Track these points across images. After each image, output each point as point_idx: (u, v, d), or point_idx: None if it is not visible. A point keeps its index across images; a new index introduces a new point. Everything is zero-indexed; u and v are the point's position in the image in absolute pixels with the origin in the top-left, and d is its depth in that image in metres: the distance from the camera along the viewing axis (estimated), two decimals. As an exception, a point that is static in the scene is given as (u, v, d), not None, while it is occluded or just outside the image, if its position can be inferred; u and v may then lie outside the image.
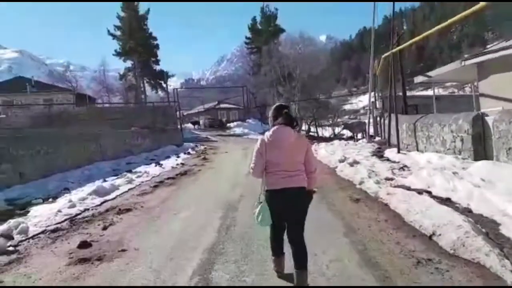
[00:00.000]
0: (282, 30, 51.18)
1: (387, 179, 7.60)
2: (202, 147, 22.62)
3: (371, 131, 18.65)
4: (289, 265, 3.08)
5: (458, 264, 3.10)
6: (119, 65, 51.32)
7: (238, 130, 37.26)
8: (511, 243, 3.33)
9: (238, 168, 10.83)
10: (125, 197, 7.52)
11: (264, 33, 50.93)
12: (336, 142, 17.40)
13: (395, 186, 6.88)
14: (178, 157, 16.97)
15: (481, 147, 8.59)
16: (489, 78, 10.68)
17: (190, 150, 20.08)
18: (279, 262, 3.18)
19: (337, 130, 44.94)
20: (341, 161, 10.64)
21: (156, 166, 12.72)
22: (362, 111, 68.77)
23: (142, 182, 9.50)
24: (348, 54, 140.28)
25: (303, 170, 3.02)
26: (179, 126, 35.74)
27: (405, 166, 9.32)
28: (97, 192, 7.59)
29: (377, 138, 19.07)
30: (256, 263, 3.53)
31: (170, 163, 13.90)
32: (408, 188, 6.53)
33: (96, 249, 4.38)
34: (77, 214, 6.16)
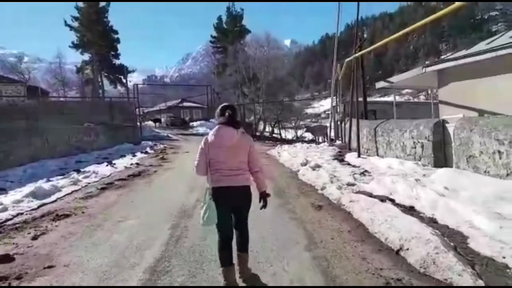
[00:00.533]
0: (248, 31, 50.95)
1: (349, 184, 7.41)
2: (162, 146, 21.63)
3: (332, 134, 18.78)
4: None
5: (430, 286, 2.82)
6: (77, 58, 48.43)
7: (201, 130, 36.41)
8: (481, 259, 3.12)
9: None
10: (66, 200, 6.71)
11: (230, 33, 50.40)
12: (298, 145, 17.28)
13: (357, 192, 6.68)
14: (134, 156, 16.01)
15: (442, 154, 8.70)
16: (449, 86, 10.94)
17: (148, 149, 19.08)
18: (230, 273, 3.04)
19: (299, 132, 45.75)
20: (303, 164, 10.41)
21: (107, 165, 11.78)
22: (323, 115, 70.33)
23: (89, 183, 8.64)
24: (311, 60, 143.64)
25: (247, 169, 3.10)
26: (138, 124, 34.32)
27: (366, 171, 9.25)
28: (35, 194, 6.72)
29: (338, 142, 19.24)
30: (206, 284, 3.05)
31: (124, 163, 12.98)
32: (371, 195, 6.35)
33: (18, 264, 3.69)
34: (7, 220, 5.34)
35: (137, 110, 36.13)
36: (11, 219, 5.39)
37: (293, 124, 45.85)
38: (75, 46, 43.41)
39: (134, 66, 54.77)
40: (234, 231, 3.14)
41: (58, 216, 5.46)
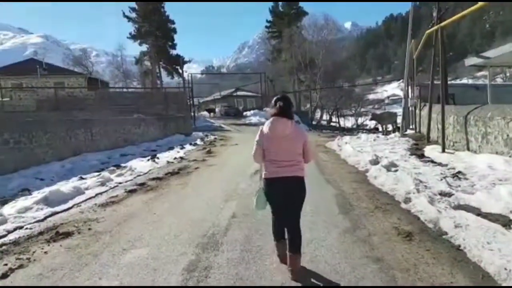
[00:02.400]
0: (305, 13, 47.96)
1: (443, 194, 5.35)
2: (212, 137, 20.68)
3: (402, 123, 16.12)
4: None
5: None
6: (137, 51, 49.70)
7: (254, 119, 35.09)
8: None
9: (244, 167, 8.75)
10: (81, 209, 5.60)
11: (286, 15, 47.88)
12: (363, 135, 15.01)
13: (457, 207, 4.66)
14: (182, 148, 15.10)
15: None
16: None
17: (198, 141, 18.17)
18: (281, 247, 3.20)
19: (360, 120, 42.36)
20: (374, 162, 8.38)
21: (149, 160, 10.82)
22: (387, 101, 65.21)
23: (120, 183, 7.58)
24: (373, 42, 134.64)
25: (300, 160, 3.11)
26: (194, 114, 34.05)
27: (460, 172, 7.00)
28: (48, 200, 5.71)
29: (410, 131, 16.55)
30: None
31: (168, 157, 11.99)
32: (480, 213, 4.31)
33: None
34: (-4, 238, 4.27)
35: (191, 100, 36.00)
36: (3, 236, 4.33)
37: (353, 111, 42.71)
38: (132, 37, 44.46)
39: (192, 57, 55.20)
40: (286, 229, 3.15)
41: (57, 234, 4.29)
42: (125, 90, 38.45)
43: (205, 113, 46.89)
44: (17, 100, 26.01)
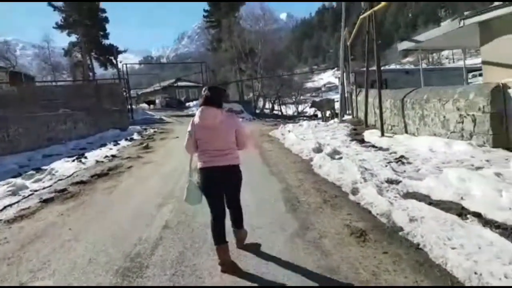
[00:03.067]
0: (242, 3, 47.21)
1: (390, 181, 5.21)
2: (152, 131, 19.44)
3: (338, 109, 16.44)
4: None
5: None
6: (65, 42, 45.06)
7: (196, 110, 33.95)
8: None
9: (184, 163, 8.02)
10: (-25, 229, 4.54)
11: (223, 5, 46.80)
12: (305, 123, 14.99)
13: (406, 195, 4.51)
14: (116, 144, 13.84)
15: (504, 130, 6.47)
16: (494, 42, 8.56)
17: (135, 135, 16.88)
18: (222, 252, 2.96)
19: (300, 108, 43.49)
20: (317, 150, 8.18)
21: (74, 161, 9.59)
22: (323, 89, 67.56)
23: (35, 191, 6.47)
24: (308, 33, 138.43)
25: (234, 148, 3.10)
26: (129, 107, 31.91)
27: (402, 156, 7.01)
28: None
29: (347, 117, 16.98)
30: None
31: (98, 155, 10.80)
32: (433, 203, 4.16)
33: None
34: None
35: (128, 91, 33.72)
36: None
37: (294, 99, 43.66)
38: (59, 27, 40.34)
39: (128, 47, 51.42)
40: (227, 210, 3.15)
41: None
42: (52, 84, 34.77)
43: (145, 105, 44.57)
44: None
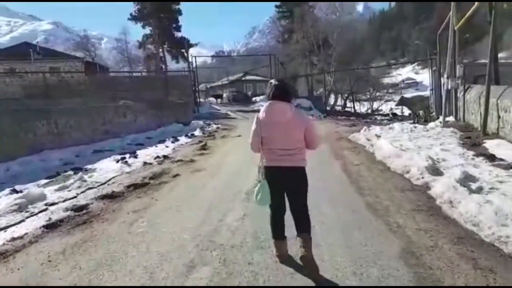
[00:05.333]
0: (318, -11, 44.00)
1: None
2: (215, 127, 18.01)
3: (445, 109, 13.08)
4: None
5: None
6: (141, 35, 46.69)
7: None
8: None
9: (242, 175, 6.15)
10: None
11: (297, -6, 44.15)
12: (396, 125, 12.05)
13: None
14: (175, 141, 12.52)
15: None
16: None
17: (196, 131, 15.54)
18: (281, 246, 2.94)
19: (375, 105, 39.50)
20: (432, 170, 5.60)
21: (119, 161, 8.22)
22: (402, 85, 61.67)
23: (50, 206, 4.98)
24: (387, 25, 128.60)
25: (301, 148, 2.85)
26: (197, 100, 31.37)
27: None
28: None
29: (449, 119, 13.60)
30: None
31: (149, 155, 9.42)
32: None
33: None
34: None
35: (196, 85, 33.26)
36: None
37: (368, 95, 39.99)
38: (134, 18, 41.56)
39: (200, 41, 51.64)
40: (291, 214, 2.91)
41: None
42: (123, 75, 35.79)
43: (212, 99, 44.26)
44: (3, 87, 23.69)
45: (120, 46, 53.34)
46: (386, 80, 51.01)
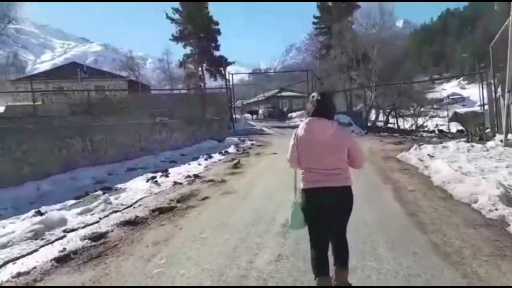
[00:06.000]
0: (357, 6, 43.09)
1: None
2: (249, 143, 17.58)
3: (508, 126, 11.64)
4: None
5: None
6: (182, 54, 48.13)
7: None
8: None
9: (277, 200, 5.47)
10: None
11: (335, 9, 43.53)
12: (451, 144, 10.81)
13: None
14: (208, 158, 12.18)
15: None
16: None
17: (230, 148, 15.15)
18: (325, 283, 2.50)
19: (420, 121, 37.51)
20: (509, 201, 4.61)
21: (149, 181, 7.84)
22: (447, 100, 58.48)
23: (69, 233, 4.58)
24: (428, 39, 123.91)
25: (345, 168, 2.56)
26: (232, 116, 31.31)
27: None
28: None
29: (510, 137, 12.11)
30: None
31: (180, 173, 9.03)
32: None
33: None
34: None
35: (232, 101, 33.32)
36: None
37: (412, 111, 38.07)
38: (175, 38, 42.96)
39: (239, 60, 52.51)
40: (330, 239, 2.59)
41: None
42: (163, 92, 36.69)
43: (248, 115, 44.21)
44: (49, 104, 24.96)
45: (163, 66, 55.29)
46: (430, 96, 48.54)
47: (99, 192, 7.04)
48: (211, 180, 7.79)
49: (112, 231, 4.61)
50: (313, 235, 2.59)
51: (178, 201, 6.00)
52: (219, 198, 6.08)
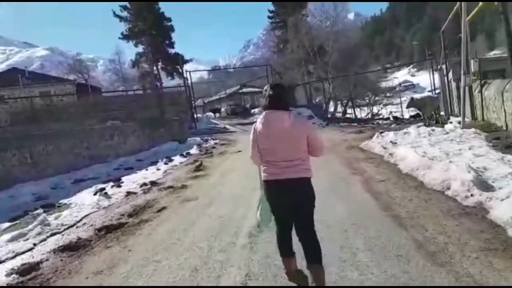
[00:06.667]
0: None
1: None
2: (212, 142, 16.90)
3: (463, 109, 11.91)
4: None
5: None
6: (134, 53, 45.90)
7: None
8: None
9: (244, 204, 4.96)
10: None
11: (289, 3, 43.58)
12: (412, 130, 10.83)
13: None
14: (168, 162, 11.38)
15: None
16: None
17: (193, 149, 14.38)
18: (290, 263, 2.67)
19: (375, 109, 38.84)
20: (480, 184, 4.43)
21: (96, 194, 7.00)
22: (399, 88, 61.15)
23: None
24: (379, 30, 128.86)
25: (305, 159, 2.52)
26: (194, 115, 30.33)
27: None
28: None
29: (455, 119, 12.53)
30: None
31: (136, 181, 8.25)
32: None
33: None
34: None
35: (191, 100, 32.24)
36: None
37: (367, 101, 39.46)
38: (125, 37, 40.91)
39: (196, 58, 51.03)
40: (299, 241, 2.57)
41: None
42: (116, 94, 34.83)
43: (210, 113, 43.25)
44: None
45: (115, 66, 52.61)
46: (383, 84, 50.36)
47: (40, 211, 6.17)
48: (170, 187, 7.10)
49: (47, 259, 3.86)
50: (278, 222, 2.62)
51: (130, 215, 5.29)
52: (178, 208, 5.43)
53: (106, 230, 4.66)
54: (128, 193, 7.00)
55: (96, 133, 12.08)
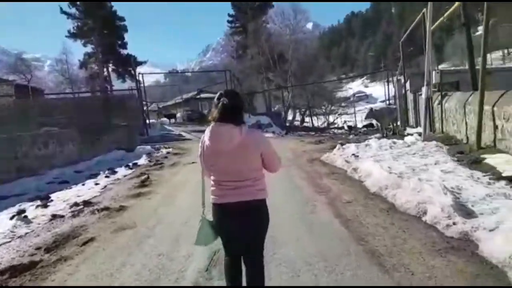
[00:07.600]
0: (271, 6, 43.41)
1: None
2: (165, 151, 15.68)
3: (403, 119, 11.95)
4: None
5: None
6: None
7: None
8: None
9: (191, 231, 4.04)
10: None
11: (250, 9, 43.29)
12: (372, 142, 10.52)
13: None
14: (110, 174, 10.15)
15: None
16: None
17: (141, 159, 13.13)
18: None
19: (331, 119, 39.89)
20: (462, 210, 3.94)
21: (13, 218, 5.71)
22: (353, 98, 63.38)
23: None
24: (336, 40, 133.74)
25: (259, 178, 2.24)
26: (146, 121, 28.60)
27: None
28: None
29: (414, 130, 12.58)
30: None
31: (67, 200, 7.01)
32: None
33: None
34: None
35: (143, 105, 30.43)
36: None
37: (324, 110, 40.62)
38: (72, 35, 38.05)
39: (151, 60, 48.73)
40: (243, 259, 2.34)
41: None
42: (60, 97, 32.08)
43: (165, 119, 41.43)
44: None
45: (61, 67, 48.85)
46: (339, 94, 51.89)
47: None
48: (106, 208, 5.98)
49: None
50: (226, 248, 2.38)
51: (48, 250, 4.17)
52: (108, 240, 4.39)
53: (11, 274, 3.55)
54: (54, 217, 5.79)
55: (27, 140, 10.47)
